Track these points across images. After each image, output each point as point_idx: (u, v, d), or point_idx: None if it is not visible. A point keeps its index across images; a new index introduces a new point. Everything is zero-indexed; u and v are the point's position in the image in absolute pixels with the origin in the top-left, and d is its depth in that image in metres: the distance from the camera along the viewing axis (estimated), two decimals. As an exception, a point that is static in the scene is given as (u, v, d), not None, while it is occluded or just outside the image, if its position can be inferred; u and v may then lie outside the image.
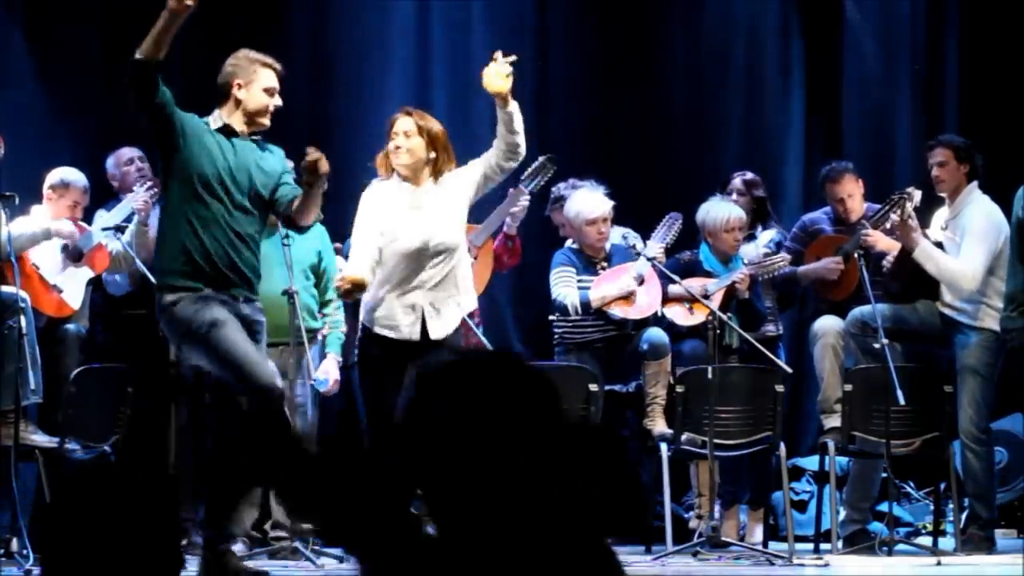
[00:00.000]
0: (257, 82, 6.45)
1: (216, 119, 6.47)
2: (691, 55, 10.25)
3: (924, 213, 8.46)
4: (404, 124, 6.88)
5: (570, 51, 10.08)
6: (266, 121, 6.51)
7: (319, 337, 8.02)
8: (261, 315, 6.48)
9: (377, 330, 6.83)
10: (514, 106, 6.79)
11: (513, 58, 6.78)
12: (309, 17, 9.70)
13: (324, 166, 6.32)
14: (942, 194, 8.31)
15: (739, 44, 10.26)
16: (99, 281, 8.25)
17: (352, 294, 6.81)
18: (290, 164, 6.69)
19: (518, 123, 6.81)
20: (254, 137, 6.51)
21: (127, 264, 8.07)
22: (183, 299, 6.31)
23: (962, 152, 8.23)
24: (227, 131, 6.44)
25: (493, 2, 9.95)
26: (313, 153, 6.30)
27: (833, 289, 8.56)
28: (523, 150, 6.89)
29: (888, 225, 8.25)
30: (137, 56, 6.18)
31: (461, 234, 6.95)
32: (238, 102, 6.46)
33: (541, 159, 8.23)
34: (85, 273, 8.05)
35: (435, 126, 6.90)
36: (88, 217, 8.25)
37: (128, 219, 8.12)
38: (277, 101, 6.50)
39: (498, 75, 6.74)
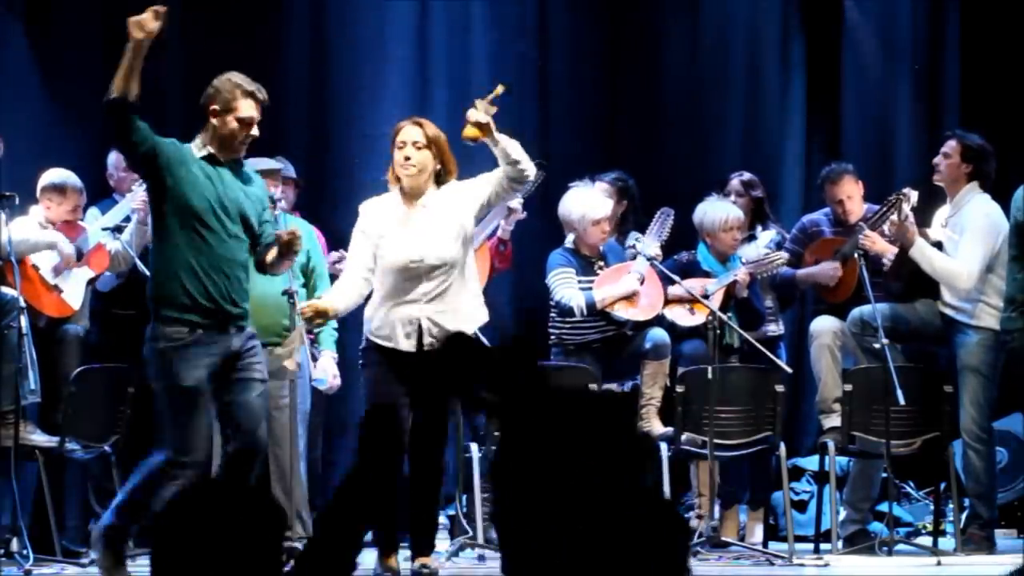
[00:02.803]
0: (235, 111, 6.29)
1: (199, 146, 6.33)
2: (691, 55, 10.24)
3: (925, 211, 8.47)
4: (412, 134, 6.75)
5: (570, 51, 10.06)
6: (239, 151, 6.38)
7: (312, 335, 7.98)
8: (253, 339, 6.45)
9: (377, 341, 6.79)
10: (503, 139, 6.67)
11: (500, 90, 6.75)
12: (308, 17, 9.69)
13: (298, 245, 6.33)
14: (938, 183, 8.31)
15: (739, 44, 10.24)
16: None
17: (314, 321, 6.85)
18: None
19: (515, 152, 6.69)
20: (235, 159, 6.40)
21: (126, 264, 8.06)
22: (177, 346, 6.20)
23: (970, 153, 8.22)
24: (211, 159, 6.32)
25: (493, 2, 9.94)
26: (286, 235, 6.29)
27: (832, 292, 8.56)
28: (531, 174, 6.77)
29: (885, 228, 8.25)
30: (112, 96, 6.07)
31: (460, 248, 6.77)
32: (213, 128, 6.32)
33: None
34: (84, 273, 8.04)
35: (441, 135, 6.80)
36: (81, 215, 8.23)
37: (126, 219, 8.10)
38: (253, 132, 6.34)
39: (469, 127, 6.66)
